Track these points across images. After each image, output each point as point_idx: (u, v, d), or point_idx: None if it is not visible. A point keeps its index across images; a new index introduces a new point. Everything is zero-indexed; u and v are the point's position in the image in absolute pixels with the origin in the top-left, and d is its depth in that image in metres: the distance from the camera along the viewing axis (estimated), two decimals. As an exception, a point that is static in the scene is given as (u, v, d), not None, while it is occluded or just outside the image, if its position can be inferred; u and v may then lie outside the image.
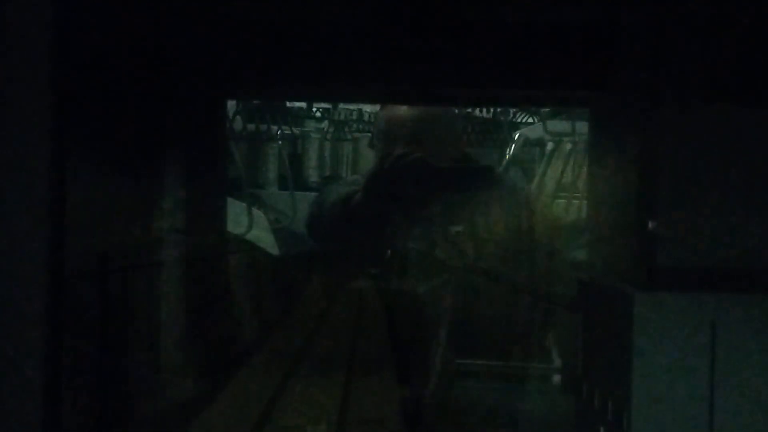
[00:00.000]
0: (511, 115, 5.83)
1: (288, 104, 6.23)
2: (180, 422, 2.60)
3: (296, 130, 6.70)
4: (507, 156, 5.63)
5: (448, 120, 4.32)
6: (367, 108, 6.25)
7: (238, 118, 5.82)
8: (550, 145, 5.56)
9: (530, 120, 5.95)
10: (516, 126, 5.87)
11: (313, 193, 6.37)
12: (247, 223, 5.33)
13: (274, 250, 5.57)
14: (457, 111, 4.68)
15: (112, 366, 2.46)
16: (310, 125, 6.77)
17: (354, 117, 6.52)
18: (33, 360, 1.69)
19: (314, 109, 6.53)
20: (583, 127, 5.03)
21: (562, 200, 5.14)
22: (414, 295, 4.12)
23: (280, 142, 6.50)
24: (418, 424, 3.35)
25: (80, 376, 2.22)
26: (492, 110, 5.47)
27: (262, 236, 5.52)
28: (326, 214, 4.51)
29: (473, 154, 4.76)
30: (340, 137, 6.80)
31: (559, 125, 5.44)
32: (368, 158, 6.03)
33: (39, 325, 1.71)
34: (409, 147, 4.13)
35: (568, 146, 5.34)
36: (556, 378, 3.62)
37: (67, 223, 1.88)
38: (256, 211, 5.56)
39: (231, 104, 5.20)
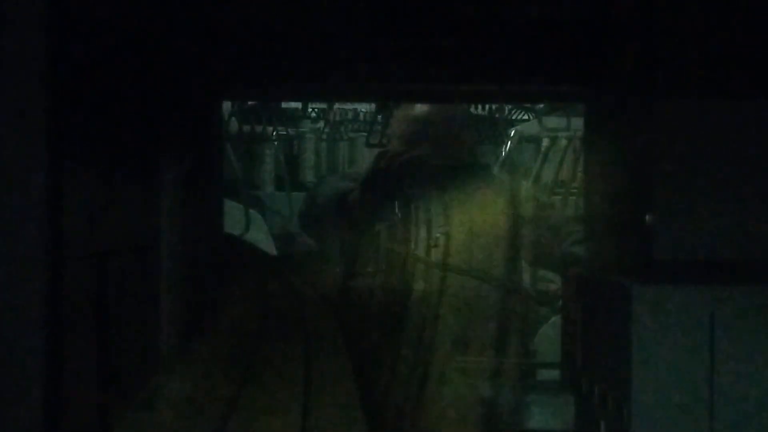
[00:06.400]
0: (507, 111, 5.83)
1: (283, 105, 6.23)
2: None
3: (292, 131, 6.70)
4: (503, 153, 5.64)
5: (461, 121, 4.31)
6: (363, 107, 6.25)
7: (234, 119, 5.82)
8: (545, 141, 5.56)
9: (525, 117, 5.95)
10: (511, 122, 5.88)
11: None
12: (245, 224, 5.33)
13: (272, 251, 5.57)
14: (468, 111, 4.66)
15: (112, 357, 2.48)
16: (306, 125, 6.77)
17: (350, 117, 6.52)
18: (33, 357, 1.70)
19: (310, 110, 6.53)
20: (578, 122, 5.04)
21: (559, 196, 5.15)
22: (409, 294, 4.12)
23: (276, 143, 6.50)
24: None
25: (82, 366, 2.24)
26: (488, 107, 5.47)
27: (260, 237, 5.52)
28: (320, 208, 4.50)
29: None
30: (336, 137, 6.80)
31: (554, 121, 5.45)
32: (364, 158, 6.03)
33: (38, 326, 1.71)
34: (421, 147, 4.13)
35: (564, 142, 5.35)
36: (555, 374, 3.62)
37: (66, 224, 1.89)
38: (253, 212, 5.56)
39: (226, 106, 5.20)
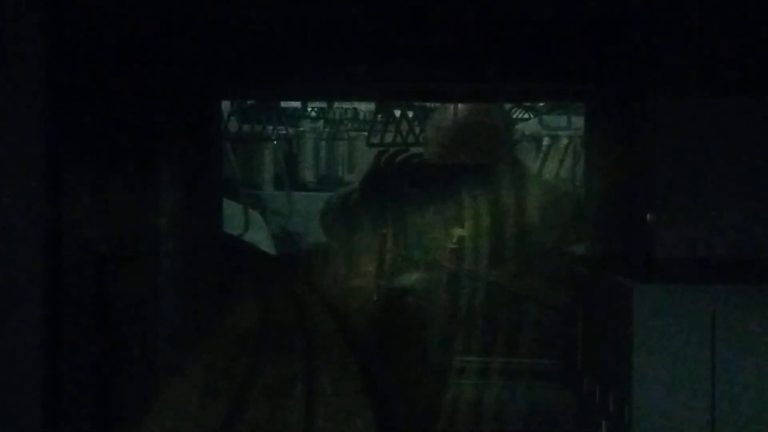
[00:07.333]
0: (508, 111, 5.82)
1: (283, 105, 6.22)
2: None
3: (292, 131, 6.69)
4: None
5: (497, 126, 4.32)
6: (362, 107, 6.24)
7: (233, 119, 5.82)
8: (546, 140, 5.56)
9: (526, 116, 5.95)
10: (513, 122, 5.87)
11: (310, 193, 6.37)
12: (244, 223, 5.33)
13: (271, 251, 5.57)
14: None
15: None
16: (306, 125, 6.77)
17: (349, 116, 6.51)
18: (33, 358, 1.69)
19: (310, 110, 6.52)
20: (579, 121, 5.03)
21: (561, 194, 5.13)
22: (408, 293, 4.11)
23: (275, 143, 6.50)
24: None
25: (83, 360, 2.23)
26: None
27: (259, 237, 5.52)
28: (329, 210, 4.54)
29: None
30: (336, 136, 6.79)
31: (555, 120, 5.44)
32: (364, 157, 6.02)
33: (38, 326, 1.71)
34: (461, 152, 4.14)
35: (565, 141, 5.34)
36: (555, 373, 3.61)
37: (65, 225, 1.88)
38: (252, 212, 5.56)
39: (226, 105, 5.19)
